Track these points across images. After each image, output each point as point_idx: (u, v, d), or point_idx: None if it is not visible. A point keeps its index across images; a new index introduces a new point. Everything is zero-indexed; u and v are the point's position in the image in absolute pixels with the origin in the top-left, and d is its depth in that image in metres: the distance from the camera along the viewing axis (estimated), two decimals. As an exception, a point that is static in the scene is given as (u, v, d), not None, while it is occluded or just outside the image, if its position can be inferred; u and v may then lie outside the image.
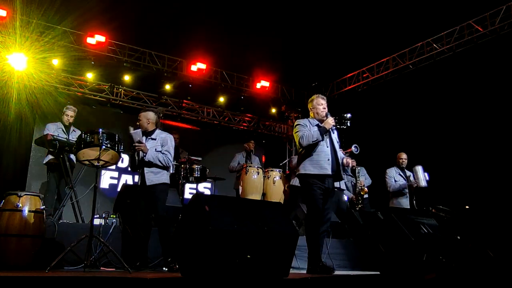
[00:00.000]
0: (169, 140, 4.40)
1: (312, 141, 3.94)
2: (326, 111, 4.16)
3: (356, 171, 6.79)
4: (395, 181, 6.43)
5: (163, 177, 4.31)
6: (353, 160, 6.64)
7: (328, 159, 4.01)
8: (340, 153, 4.34)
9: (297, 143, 4.10)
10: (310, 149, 4.00)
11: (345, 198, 6.51)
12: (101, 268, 3.92)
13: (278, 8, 7.98)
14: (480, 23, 7.37)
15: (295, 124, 4.18)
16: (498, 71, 7.29)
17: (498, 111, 7.37)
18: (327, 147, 4.05)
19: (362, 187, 6.71)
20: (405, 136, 8.22)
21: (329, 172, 3.99)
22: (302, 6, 7.90)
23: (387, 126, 8.91)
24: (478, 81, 7.58)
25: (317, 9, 8.00)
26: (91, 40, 7.99)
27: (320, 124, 4.08)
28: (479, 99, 7.58)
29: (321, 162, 3.98)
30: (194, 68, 9.02)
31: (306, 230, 4.06)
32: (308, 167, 3.98)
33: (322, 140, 4.00)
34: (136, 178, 9.17)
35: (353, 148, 5.46)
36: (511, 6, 6.96)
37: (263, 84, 9.96)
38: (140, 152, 4.23)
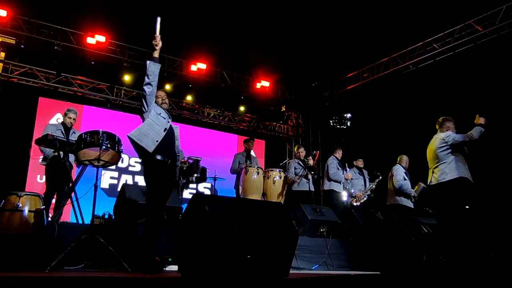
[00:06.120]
0: None
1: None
2: None
3: (365, 172, 7.04)
4: (405, 179, 6.36)
5: None
6: (360, 159, 6.87)
7: None
8: None
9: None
10: None
11: (345, 198, 6.56)
12: (101, 268, 3.91)
13: (279, 8, 7.99)
14: (480, 23, 7.37)
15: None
16: (498, 71, 7.28)
17: (498, 111, 7.36)
18: None
19: (371, 183, 6.96)
20: (405, 136, 8.21)
21: None
22: (303, 6, 7.91)
23: (387, 126, 8.91)
24: (478, 81, 7.58)
25: (317, 10, 8.01)
26: (91, 40, 7.99)
27: None
28: (479, 99, 7.57)
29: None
30: (194, 68, 9.02)
31: None
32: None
33: None
34: (138, 178, 9.09)
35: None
36: (511, 6, 6.97)
37: (263, 84, 9.96)
38: None
